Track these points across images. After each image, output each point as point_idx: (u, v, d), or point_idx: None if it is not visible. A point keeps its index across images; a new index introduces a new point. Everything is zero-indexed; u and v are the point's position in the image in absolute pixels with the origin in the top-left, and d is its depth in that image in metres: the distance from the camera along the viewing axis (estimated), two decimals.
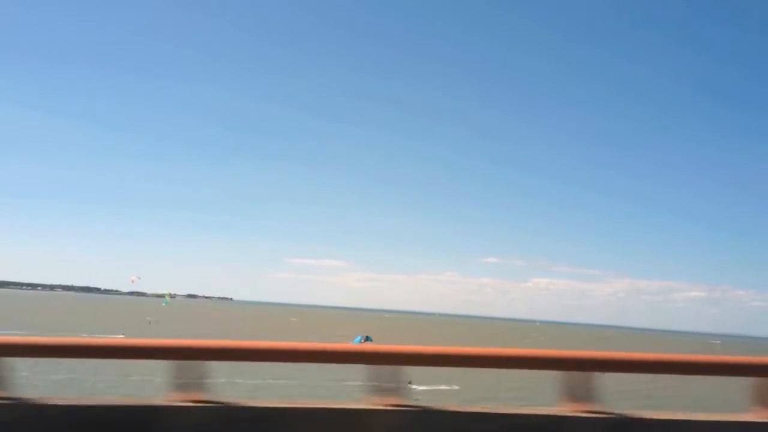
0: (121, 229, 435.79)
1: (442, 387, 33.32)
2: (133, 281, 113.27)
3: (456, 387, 33.90)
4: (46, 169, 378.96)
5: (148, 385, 23.64)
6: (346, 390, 24.00)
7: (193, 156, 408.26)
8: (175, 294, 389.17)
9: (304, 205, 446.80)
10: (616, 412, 4.34)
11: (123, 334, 63.47)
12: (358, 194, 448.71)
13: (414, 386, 33.82)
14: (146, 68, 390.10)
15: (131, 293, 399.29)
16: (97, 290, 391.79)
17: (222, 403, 4.29)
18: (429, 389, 31.46)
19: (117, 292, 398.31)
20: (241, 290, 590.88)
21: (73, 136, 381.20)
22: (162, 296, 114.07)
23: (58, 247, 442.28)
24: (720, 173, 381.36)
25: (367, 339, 42.75)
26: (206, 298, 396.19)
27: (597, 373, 4.51)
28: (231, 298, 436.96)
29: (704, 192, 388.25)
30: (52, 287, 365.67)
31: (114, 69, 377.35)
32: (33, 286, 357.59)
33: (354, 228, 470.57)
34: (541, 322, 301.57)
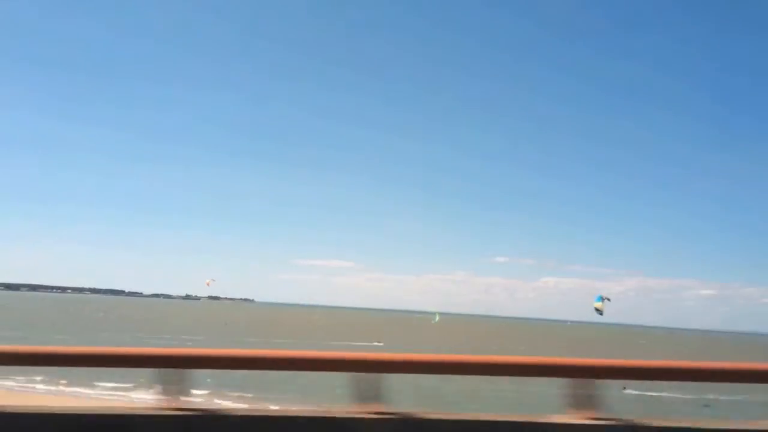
0: (136, 233, 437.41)
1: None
2: (208, 284, 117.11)
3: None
4: (72, 175, 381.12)
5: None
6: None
7: (204, 159, 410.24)
8: (199, 296, 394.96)
9: (312, 207, 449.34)
10: (615, 418, 4.18)
11: (380, 342, 66.75)
12: (366, 194, 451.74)
13: (628, 391, 36.67)
14: (163, 75, 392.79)
15: (154, 295, 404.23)
16: (122, 292, 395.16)
17: (199, 410, 4.17)
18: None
19: (140, 294, 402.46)
20: (257, 291, 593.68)
21: (97, 143, 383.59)
22: (433, 315, 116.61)
23: (80, 250, 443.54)
24: (729, 172, 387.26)
25: (607, 299, 47.36)
26: (229, 300, 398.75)
27: (593, 380, 4.33)
28: (253, 300, 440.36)
29: (714, 191, 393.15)
30: (80, 290, 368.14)
31: (140, 78, 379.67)
32: (62, 290, 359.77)
33: (362, 228, 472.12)
34: (572, 321, 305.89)
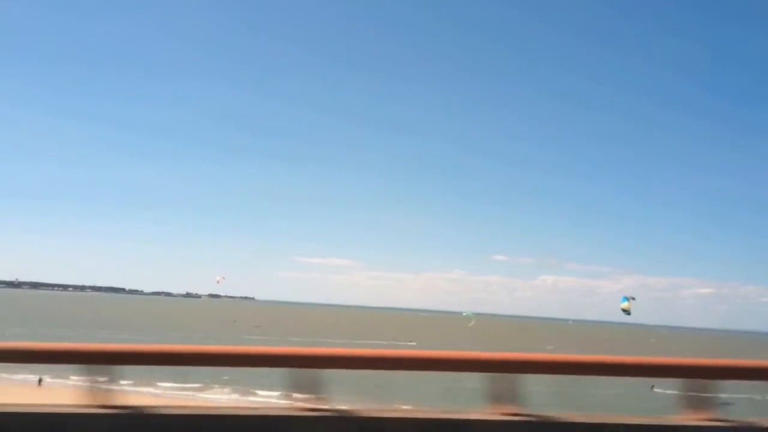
0: (136, 230, 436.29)
1: None
2: (219, 281, 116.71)
3: None
4: (72, 172, 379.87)
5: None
6: None
7: (203, 156, 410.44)
8: (199, 294, 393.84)
9: (311, 204, 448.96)
10: (536, 414, 4.20)
11: (414, 342, 66.12)
12: (366, 192, 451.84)
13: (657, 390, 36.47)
14: (160, 71, 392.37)
15: (154, 293, 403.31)
16: (123, 290, 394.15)
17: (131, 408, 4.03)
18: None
19: (140, 292, 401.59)
20: (257, 289, 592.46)
21: (98, 140, 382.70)
22: (469, 318, 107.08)
23: (80, 248, 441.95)
24: (727, 170, 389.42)
25: (632, 298, 46.87)
26: (229, 297, 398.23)
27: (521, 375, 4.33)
28: (253, 298, 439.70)
29: (712, 188, 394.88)
30: (82, 288, 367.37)
31: (141, 74, 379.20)
32: (64, 287, 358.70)
33: (361, 226, 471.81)
34: (574, 320, 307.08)
